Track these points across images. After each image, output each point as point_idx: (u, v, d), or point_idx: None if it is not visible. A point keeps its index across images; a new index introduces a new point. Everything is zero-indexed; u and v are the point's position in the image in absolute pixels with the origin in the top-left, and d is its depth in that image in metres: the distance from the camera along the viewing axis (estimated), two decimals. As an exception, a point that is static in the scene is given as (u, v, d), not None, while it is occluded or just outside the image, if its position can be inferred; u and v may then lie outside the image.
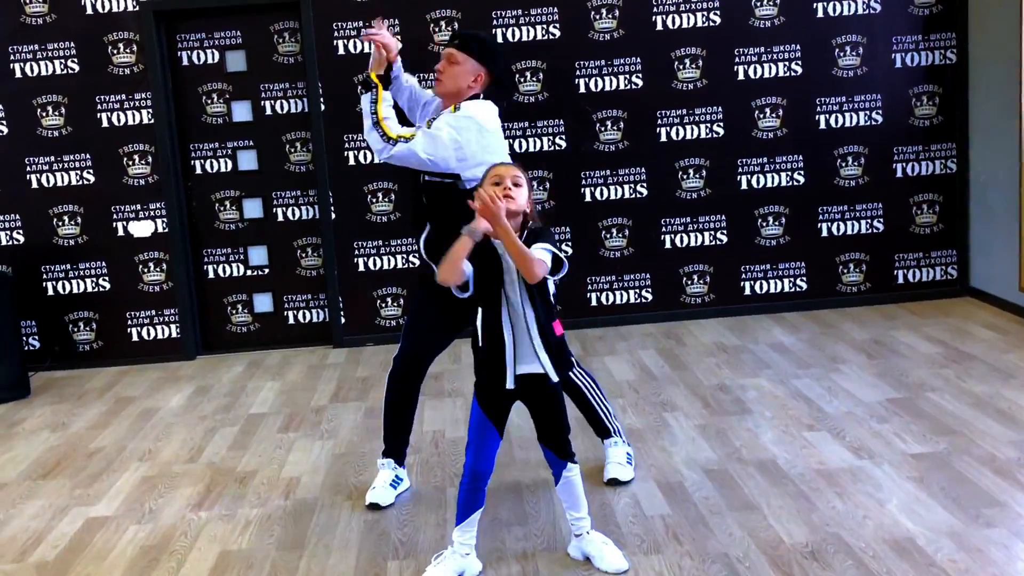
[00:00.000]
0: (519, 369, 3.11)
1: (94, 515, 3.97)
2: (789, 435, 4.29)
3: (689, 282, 6.39)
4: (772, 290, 6.41)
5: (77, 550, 3.66)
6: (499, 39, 6.05)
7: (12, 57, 6.03)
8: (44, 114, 6.07)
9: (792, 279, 6.40)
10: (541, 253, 3.00)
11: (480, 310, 3.10)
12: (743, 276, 6.39)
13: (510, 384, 3.10)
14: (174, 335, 6.29)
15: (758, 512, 3.56)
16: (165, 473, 4.38)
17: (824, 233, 6.36)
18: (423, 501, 3.87)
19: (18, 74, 6.05)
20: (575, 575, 3.20)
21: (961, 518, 3.39)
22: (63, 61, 6.04)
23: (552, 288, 3.18)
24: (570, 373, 3.72)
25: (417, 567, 3.30)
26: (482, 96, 3.75)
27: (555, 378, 3.14)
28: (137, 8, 5.99)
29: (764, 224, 6.34)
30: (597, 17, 6.07)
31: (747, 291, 6.41)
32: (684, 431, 4.43)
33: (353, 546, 3.53)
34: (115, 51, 6.05)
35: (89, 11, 6.01)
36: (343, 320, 6.30)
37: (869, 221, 6.36)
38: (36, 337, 6.25)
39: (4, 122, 6.07)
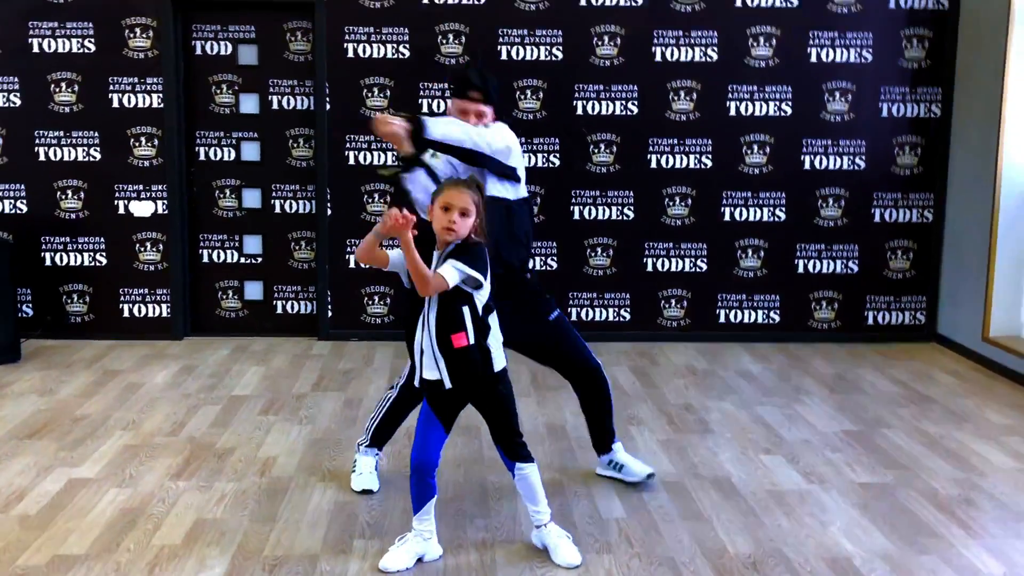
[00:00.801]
0: (425, 374, 3.31)
1: (77, 476, 4.14)
2: (746, 456, 4.49)
3: (667, 305, 6.60)
4: (746, 320, 6.62)
5: (59, 507, 3.83)
6: (503, 56, 6.27)
7: (31, 32, 6.21)
8: (57, 90, 6.26)
9: (766, 311, 6.62)
10: (447, 270, 3.18)
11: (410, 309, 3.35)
12: (719, 304, 6.61)
13: (416, 383, 3.34)
14: (164, 314, 6.47)
15: (707, 523, 3.76)
16: (147, 444, 4.55)
17: (800, 269, 6.59)
18: (393, 489, 4.05)
19: (35, 49, 6.23)
20: (530, 565, 3.39)
21: (897, 544, 3.60)
22: (80, 40, 6.23)
23: (479, 302, 3.30)
24: (603, 376, 4.07)
25: (381, 547, 3.48)
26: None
27: (448, 385, 3.27)
28: (157, -4, 6.20)
29: (743, 256, 6.56)
30: (599, 43, 6.30)
31: (722, 319, 6.62)
32: (647, 444, 4.63)
33: (322, 524, 3.71)
34: (131, 35, 6.24)
35: (110, -6, 6.21)
36: (330, 314, 6.49)
37: (845, 262, 6.59)
38: (30, 305, 6.41)
39: (18, 94, 6.25)
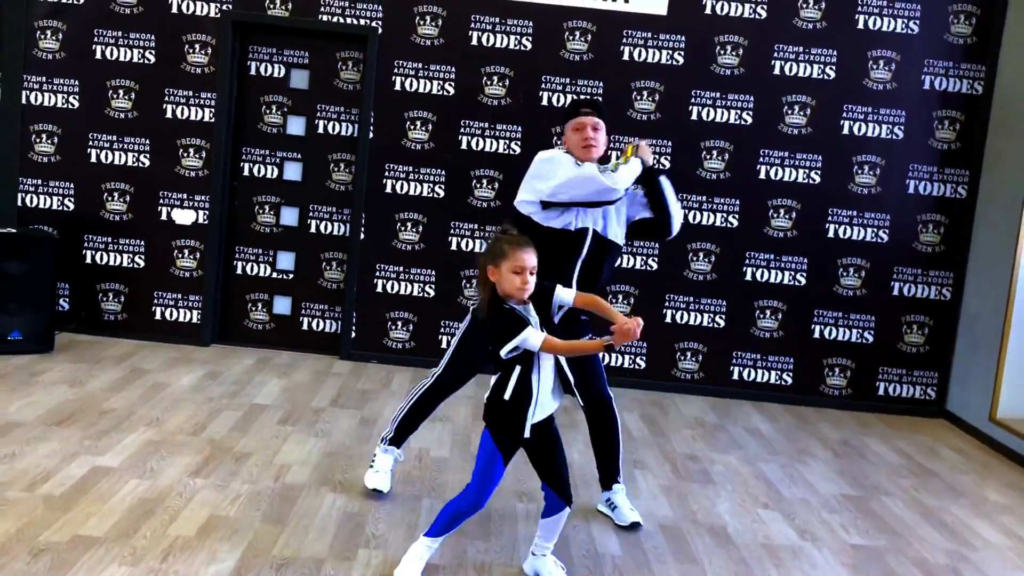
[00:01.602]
0: (535, 419, 3.38)
1: (100, 464, 4.32)
2: (744, 509, 4.61)
3: (682, 358, 6.73)
4: (759, 379, 6.74)
5: (82, 491, 4.01)
6: (544, 102, 6.49)
7: (96, 39, 6.49)
8: (115, 96, 6.52)
9: (779, 372, 6.74)
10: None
11: (518, 370, 3.33)
12: (734, 361, 6.74)
13: (526, 434, 3.37)
14: (194, 320, 6.67)
15: (699, 567, 3.88)
16: (169, 440, 4.72)
17: (816, 335, 6.71)
18: (400, 506, 4.20)
19: (98, 55, 6.51)
20: (524, 590, 3.53)
21: (882, 605, 3.71)
22: (141, 51, 6.51)
23: None
24: (614, 411, 4.27)
25: (384, 559, 3.63)
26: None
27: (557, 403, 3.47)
28: (218, 15, 6.47)
29: (761, 316, 6.69)
30: (638, 97, 6.50)
31: (735, 376, 6.74)
32: (649, 488, 4.76)
33: (330, 531, 3.86)
34: (191, 51, 6.51)
35: (174, 10, 6.48)
36: (353, 334, 6.67)
37: (860, 331, 6.71)
38: (67, 299, 6.63)
39: (76, 97, 6.52)
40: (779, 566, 3.97)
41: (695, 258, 6.64)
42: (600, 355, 4.33)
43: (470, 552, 3.79)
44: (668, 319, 6.69)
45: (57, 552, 3.46)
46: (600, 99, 4.16)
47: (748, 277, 6.66)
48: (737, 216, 6.60)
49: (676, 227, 4.24)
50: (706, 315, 6.70)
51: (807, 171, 6.57)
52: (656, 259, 6.63)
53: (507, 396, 3.34)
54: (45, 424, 4.78)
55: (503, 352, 3.28)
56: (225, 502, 4.05)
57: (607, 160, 4.23)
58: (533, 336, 3.25)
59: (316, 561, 3.59)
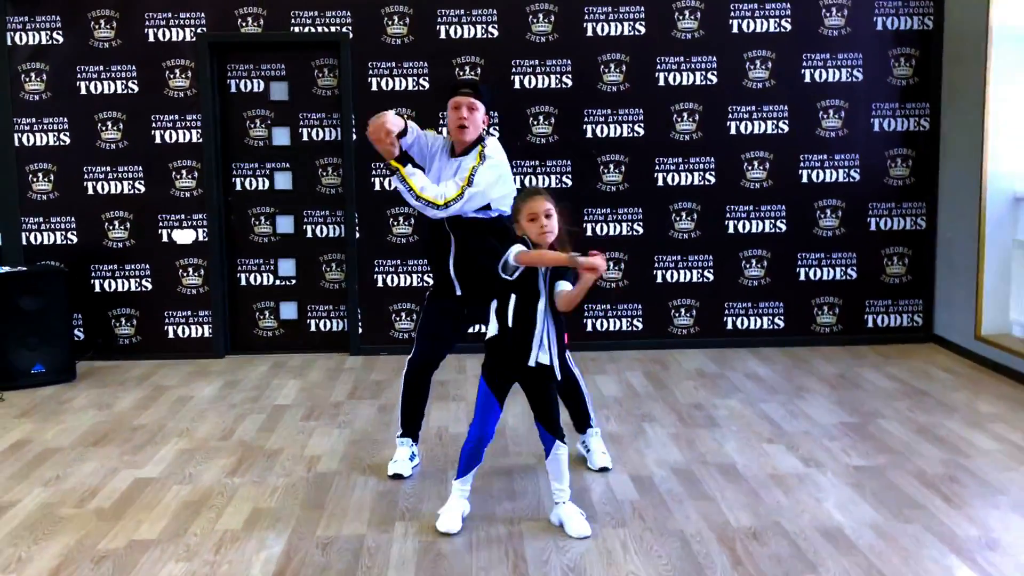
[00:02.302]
0: (540, 359, 3.78)
1: (141, 476, 4.58)
2: (749, 446, 4.88)
3: (677, 315, 7.00)
4: (752, 326, 7.02)
5: (129, 501, 4.27)
6: (516, 85, 6.73)
7: (79, 76, 6.72)
8: (104, 128, 6.75)
9: (771, 317, 7.02)
10: (565, 285, 3.75)
11: (514, 298, 3.74)
12: (726, 312, 7.01)
13: (532, 363, 3.76)
14: (206, 334, 6.92)
15: (713, 502, 4.16)
16: (202, 447, 4.99)
17: (802, 277, 6.98)
18: (427, 480, 4.47)
19: (83, 91, 6.73)
20: (550, 536, 3.80)
21: (884, 515, 3.98)
22: (124, 82, 6.73)
23: None
24: (567, 362, 4.40)
25: (419, 526, 3.91)
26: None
27: (559, 376, 3.83)
28: (194, 39, 6.69)
29: (748, 266, 6.96)
30: (606, 71, 6.75)
31: (729, 326, 7.02)
32: (658, 438, 5.03)
33: (366, 509, 4.13)
34: (171, 76, 6.74)
35: (151, 39, 6.70)
36: (360, 330, 6.93)
37: (844, 269, 6.98)
38: (81, 329, 6.88)
39: (68, 133, 6.75)
40: (787, 493, 4.25)
41: (678, 218, 6.90)
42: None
43: (498, 512, 4.07)
44: (659, 279, 6.96)
45: (117, 557, 3.72)
46: (477, 79, 4.38)
47: (731, 230, 6.93)
48: (713, 173, 6.86)
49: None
50: (695, 271, 6.96)
51: (775, 122, 6.82)
52: (641, 223, 6.89)
53: (510, 323, 3.74)
54: (83, 446, 5.04)
55: (500, 267, 3.69)
56: (264, 495, 4.31)
57: (478, 143, 4.39)
58: (514, 249, 3.67)
59: (357, 536, 3.86)
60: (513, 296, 3.76)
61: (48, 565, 3.66)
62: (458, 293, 4.45)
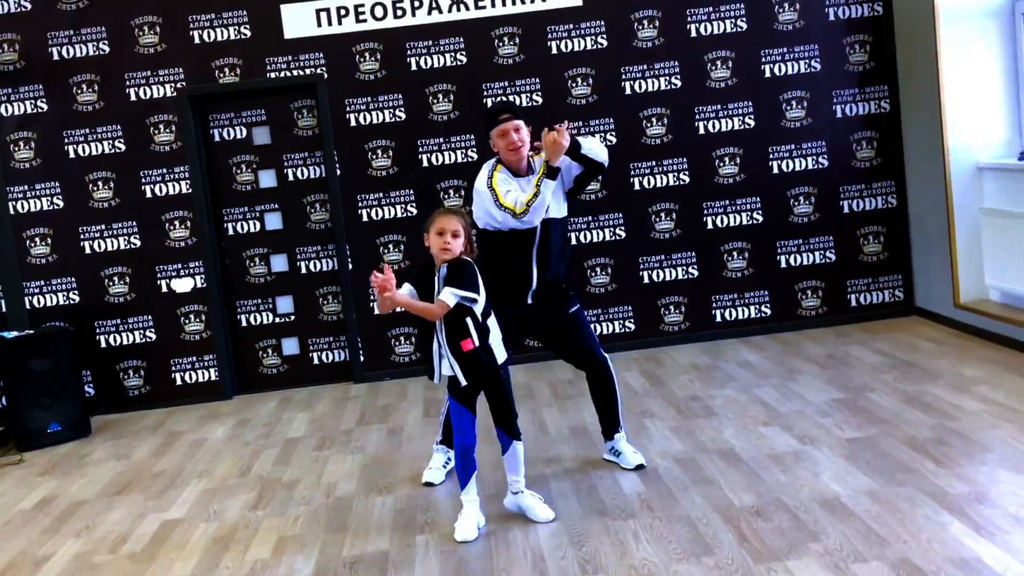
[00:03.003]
0: (443, 371, 4.12)
1: (168, 518, 4.77)
2: (747, 430, 5.10)
3: (667, 312, 7.22)
4: (740, 317, 7.24)
5: (159, 543, 4.46)
6: (489, 105, 6.95)
7: (66, 140, 6.92)
8: (95, 188, 6.96)
9: (758, 306, 7.24)
10: (446, 296, 3.99)
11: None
12: (714, 305, 7.23)
13: (436, 380, 4.13)
14: (213, 378, 7.11)
15: (715, 486, 4.36)
16: (222, 486, 5.18)
17: (783, 264, 7.21)
18: (442, 494, 4.68)
19: (71, 155, 6.94)
20: (564, 533, 4.01)
21: (879, 481, 4.20)
22: (111, 142, 6.94)
23: (478, 311, 4.07)
24: (611, 371, 4.76)
25: (440, 537, 4.11)
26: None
27: (463, 382, 4.07)
28: (175, 94, 6.91)
29: (730, 259, 7.19)
30: (574, 85, 6.99)
31: (718, 318, 7.24)
32: (659, 431, 5.24)
33: (387, 527, 4.33)
34: (156, 131, 6.95)
35: (133, 98, 6.92)
36: (362, 358, 7.12)
37: (822, 252, 7.21)
38: (91, 385, 7.06)
39: (60, 197, 6.95)
40: (786, 470, 4.46)
41: (658, 219, 7.13)
42: (585, 322, 4.83)
43: (511, 516, 4.27)
44: (646, 280, 7.17)
45: (156, 595, 3.91)
46: (511, 100, 4.66)
47: (710, 226, 7.15)
48: (687, 173, 7.09)
49: (606, 161, 4.73)
50: (679, 269, 7.19)
51: (741, 118, 7.06)
52: (623, 227, 7.12)
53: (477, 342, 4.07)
54: (107, 496, 5.23)
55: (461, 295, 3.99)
56: (288, 524, 4.51)
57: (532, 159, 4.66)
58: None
59: (382, 553, 4.05)
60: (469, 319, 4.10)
61: (91, 609, 3.85)
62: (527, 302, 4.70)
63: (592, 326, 7.07)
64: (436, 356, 4.12)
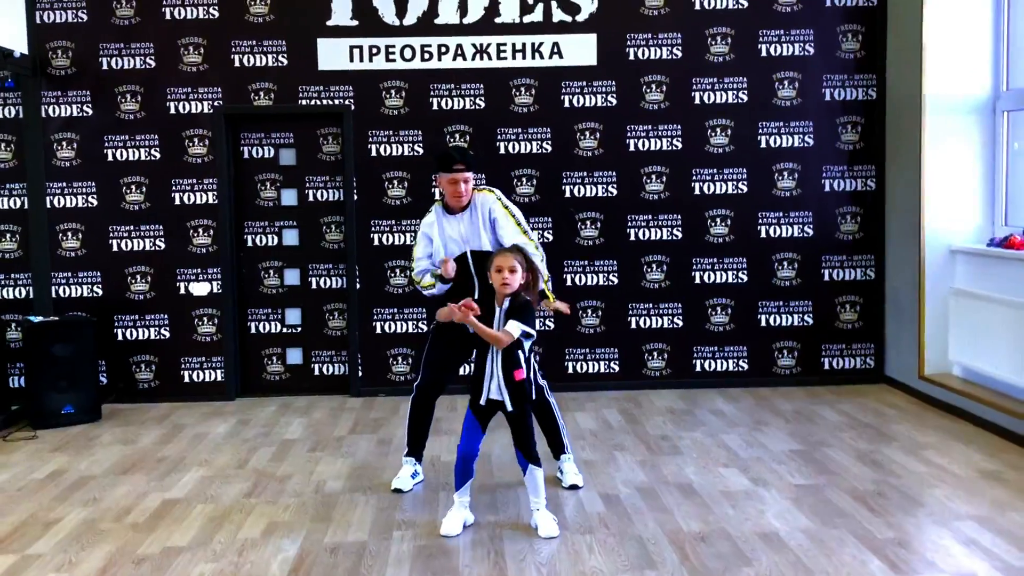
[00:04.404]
0: (491, 395, 4.51)
1: (168, 497, 5.20)
2: (707, 469, 5.52)
3: (650, 358, 7.66)
4: (719, 368, 7.68)
5: (159, 517, 4.89)
6: (501, 150, 7.47)
7: (107, 144, 7.44)
8: (128, 191, 7.46)
9: (736, 360, 7.67)
10: (513, 327, 4.45)
11: (476, 350, 4.59)
12: (695, 355, 7.67)
13: (482, 402, 4.52)
14: (219, 379, 7.56)
15: (669, 513, 4.79)
16: (220, 474, 5.61)
17: (763, 323, 7.66)
18: (421, 499, 5.11)
19: (110, 158, 7.45)
20: (526, 541, 4.43)
21: (816, 522, 4.62)
22: (148, 150, 7.45)
23: (527, 345, 4.55)
24: (547, 397, 5.18)
25: (414, 534, 4.54)
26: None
27: (510, 408, 4.52)
28: (211, 111, 7.43)
29: (714, 313, 7.64)
30: (582, 137, 7.49)
31: (698, 368, 7.68)
32: (627, 463, 5.66)
33: (367, 522, 4.76)
34: (191, 144, 7.46)
35: (172, 111, 7.44)
36: (360, 374, 7.57)
37: (801, 315, 7.66)
38: (104, 374, 7.51)
39: (95, 196, 7.45)
40: (735, 506, 4.88)
41: (649, 269, 7.59)
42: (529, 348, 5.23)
43: (483, 522, 4.70)
44: (633, 325, 7.63)
45: (154, 560, 4.34)
46: (466, 150, 5.18)
47: (697, 280, 7.62)
48: (680, 229, 7.57)
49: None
50: (665, 318, 7.64)
51: (735, 183, 7.55)
52: (616, 274, 7.58)
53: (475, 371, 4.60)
54: (113, 474, 5.66)
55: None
56: (278, 511, 4.94)
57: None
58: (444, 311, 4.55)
59: (360, 543, 4.48)
60: (476, 351, 4.60)
61: (95, 566, 4.28)
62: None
63: (580, 364, 7.57)
64: (487, 379, 4.51)
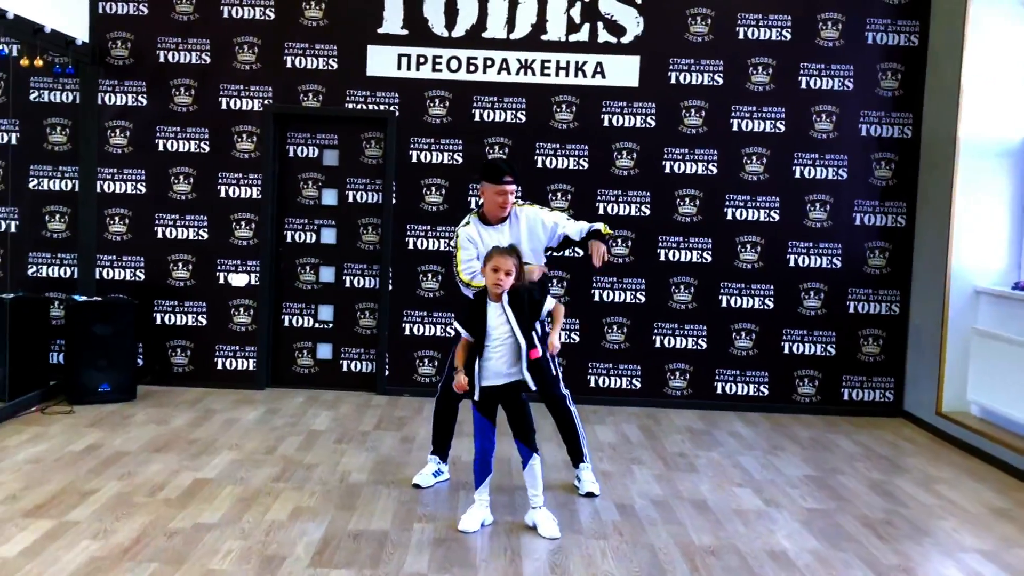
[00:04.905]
0: (483, 383, 4.72)
1: (200, 477, 5.40)
2: (721, 488, 5.65)
3: (672, 377, 7.80)
4: (740, 392, 7.80)
5: (191, 495, 5.08)
6: (539, 164, 7.65)
7: (158, 135, 7.68)
8: (176, 181, 7.69)
9: (757, 385, 7.80)
10: (551, 300, 4.82)
11: (467, 352, 4.80)
12: (717, 378, 7.80)
13: (476, 396, 4.72)
14: (251, 368, 7.77)
15: (682, 526, 4.93)
16: (249, 459, 5.80)
17: (786, 351, 7.78)
18: (441, 495, 5.28)
19: (160, 148, 7.69)
20: (543, 541, 4.58)
21: (824, 544, 4.74)
22: (197, 142, 7.69)
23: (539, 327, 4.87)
24: (569, 407, 5.36)
25: (434, 528, 4.70)
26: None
27: (532, 387, 4.74)
28: (261, 109, 7.66)
29: (738, 337, 7.77)
30: (619, 157, 7.66)
31: (719, 390, 7.80)
32: (644, 477, 5.81)
33: (389, 513, 4.93)
34: (239, 139, 7.69)
35: (224, 107, 7.68)
36: (387, 372, 7.76)
37: (824, 345, 7.77)
38: (141, 356, 7.73)
39: (144, 184, 7.69)
40: (746, 524, 5.01)
41: (677, 290, 7.74)
42: (553, 360, 5.36)
43: (501, 521, 4.85)
44: (657, 344, 7.77)
45: (185, 534, 4.53)
46: (511, 162, 5.47)
47: (724, 304, 7.75)
48: (710, 252, 7.71)
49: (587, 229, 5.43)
50: (690, 339, 7.78)
51: (767, 211, 7.69)
52: (644, 292, 7.73)
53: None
54: (147, 452, 5.86)
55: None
56: (304, 497, 5.12)
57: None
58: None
59: (382, 532, 4.65)
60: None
61: (129, 536, 4.47)
62: None
63: (602, 379, 7.72)
64: (476, 375, 4.68)
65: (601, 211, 7.68)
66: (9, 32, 6.45)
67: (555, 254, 5.68)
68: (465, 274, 5.24)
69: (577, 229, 5.38)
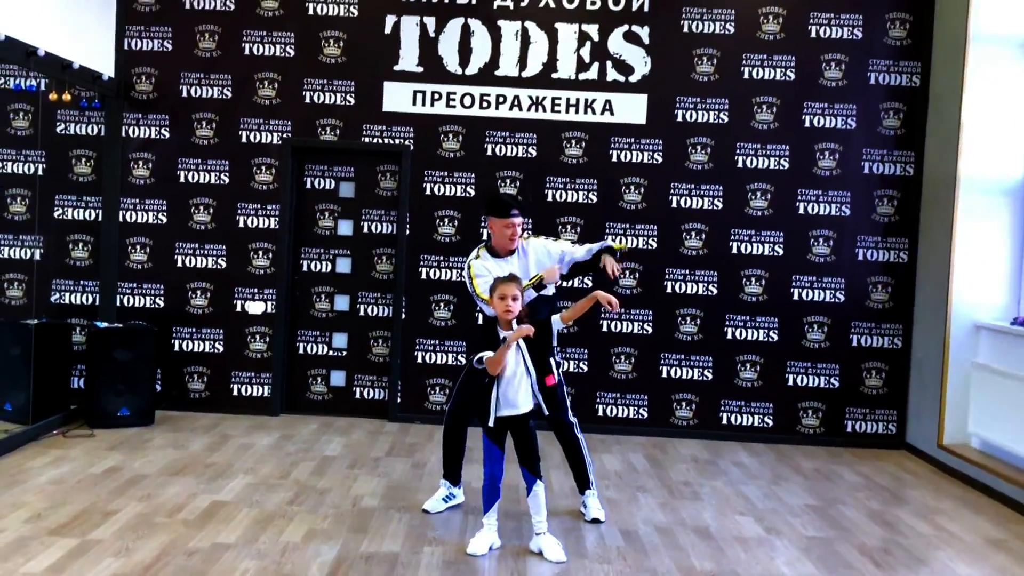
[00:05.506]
0: (499, 413, 4.89)
1: (217, 499, 5.57)
2: (723, 515, 5.79)
3: (678, 407, 7.95)
4: (744, 423, 7.94)
5: (209, 516, 5.25)
6: (549, 198, 7.85)
7: (180, 166, 7.92)
8: (196, 211, 7.92)
9: (761, 416, 7.94)
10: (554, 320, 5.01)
11: (485, 378, 4.96)
12: (722, 408, 7.95)
13: (491, 423, 4.90)
14: (265, 394, 7.95)
15: (684, 552, 5.07)
16: (264, 483, 5.97)
17: (790, 383, 7.92)
18: (451, 519, 5.43)
19: (182, 179, 7.92)
20: (548, 564, 4.72)
21: (822, 571, 4.88)
22: (218, 174, 7.92)
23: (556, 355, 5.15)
24: (577, 435, 5.51)
25: (443, 552, 4.85)
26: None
27: (546, 412, 4.97)
28: (280, 142, 7.89)
29: (743, 369, 7.92)
30: (627, 191, 7.86)
31: (724, 421, 7.95)
32: (648, 504, 5.95)
33: (400, 536, 5.09)
34: (258, 171, 7.92)
35: (243, 140, 7.91)
36: (399, 400, 7.93)
37: (827, 378, 7.92)
38: (159, 381, 7.93)
39: (165, 214, 7.92)
40: (747, 551, 5.15)
41: (683, 322, 7.90)
42: (561, 387, 5.52)
43: (508, 545, 5.01)
44: (664, 375, 7.92)
45: (203, 553, 4.69)
46: (518, 196, 5.69)
47: (729, 336, 7.91)
48: (716, 285, 7.89)
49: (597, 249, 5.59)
50: (696, 370, 7.93)
51: (771, 245, 7.86)
52: (650, 324, 7.90)
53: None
54: (165, 475, 6.04)
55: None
56: (318, 520, 5.28)
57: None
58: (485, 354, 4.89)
59: (393, 555, 4.81)
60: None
61: (150, 554, 4.64)
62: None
63: (609, 408, 7.87)
64: (492, 403, 4.86)
65: (609, 241, 7.82)
66: (39, 68, 6.70)
67: (564, 283, 5.85)
68: (485, 293, 5.36)
69: (585, 250, 5.55)
